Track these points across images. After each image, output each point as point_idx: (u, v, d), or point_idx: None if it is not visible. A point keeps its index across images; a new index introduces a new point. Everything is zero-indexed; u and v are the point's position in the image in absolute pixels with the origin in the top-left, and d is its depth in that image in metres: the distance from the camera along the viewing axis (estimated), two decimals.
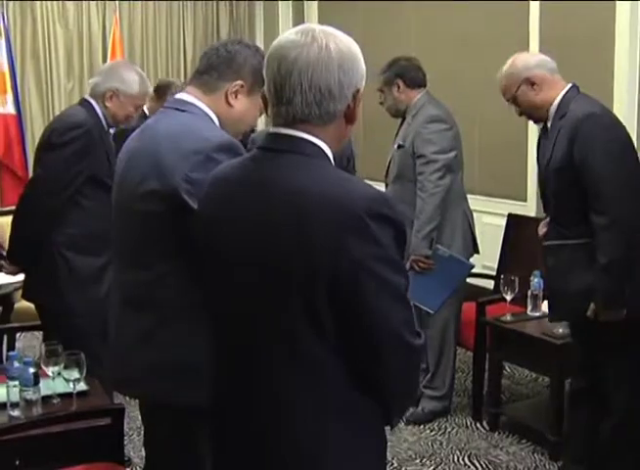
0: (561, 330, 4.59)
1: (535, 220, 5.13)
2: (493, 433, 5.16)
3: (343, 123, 2.06)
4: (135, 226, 2.73)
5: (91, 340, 3.91)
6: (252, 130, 6.03)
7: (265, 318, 1.98)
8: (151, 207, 2.64)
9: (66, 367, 3.42)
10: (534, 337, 4.77)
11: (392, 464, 4.76)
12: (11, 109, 8.41)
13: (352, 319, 1.91)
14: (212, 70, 2.80)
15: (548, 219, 4.10)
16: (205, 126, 2.72)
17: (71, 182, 4.26)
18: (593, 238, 3.78)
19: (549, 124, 3.97)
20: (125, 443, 4.02)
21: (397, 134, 5.36)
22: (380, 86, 5.29)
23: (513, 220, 6.19)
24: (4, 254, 4.81)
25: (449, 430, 5.23)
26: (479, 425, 5.27)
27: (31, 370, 3.34)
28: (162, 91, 6.12)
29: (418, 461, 4.83)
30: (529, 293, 4.98)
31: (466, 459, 4.83)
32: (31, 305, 4.67)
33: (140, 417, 3.05)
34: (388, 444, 2.24)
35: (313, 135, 2.01)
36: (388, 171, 5.38)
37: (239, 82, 2.79)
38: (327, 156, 2.04)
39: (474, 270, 5.32)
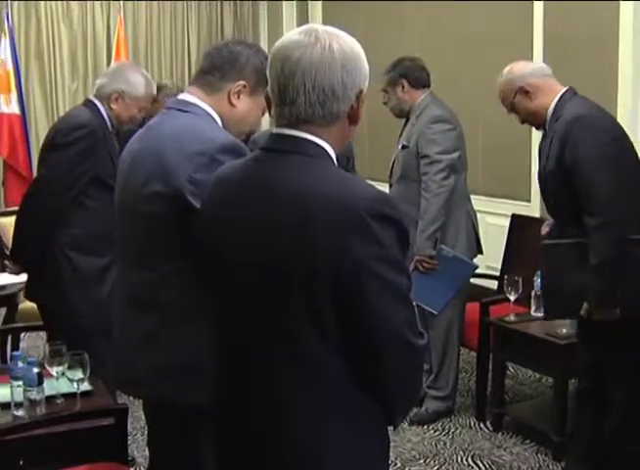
0: (564, 330, 4.59)
1: (539, 221, 5.13)
2: (497, 433, 5.15)
3: (347, 124, 2.06)
4: (139, 228, 2.73)
5: (94, 340, 3.91)
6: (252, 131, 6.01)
7: (266, 318, 1.98)
8: (155, 208, 2.64)
9: (69, 367, 3.43)
10: (538, 337, 4.77)
11: (396, 464, 4.76)
12: (15, 109, 8.42)
13: (354, 319, 1.91)
14: (215, 70, 2.80)
15: (552, 220, 4.13)
16: (209, 127, 2.72)
17: (75, 183, 4.26)
18: (587, 238, 3.80)
19: (547, 128, 4.00)
20: (129, 442, 4.03)
21: (401, 135, 5.36)
22: (384, 86, 5.30)
23: (517, 221, 6.18)
24: (8, 253, 4.83)
25: (453, 430, 5.23)
26: (482, 425, 5.27)
27: (35, 370, 3.35)
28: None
29: (422, 461, 4.83)
30: (533, 293, 4.97)
31: (469, 460, 4.83)
32: (35, 306, 4.67)
33: (144, 417, 3.05)
34: (392, 444, 2.24)
35: (316, 136, 2.01)
36: (391, 172, 5.38)
37: (241, 82, 2.79)
38: (330, 156, 2.04)
39: (477, 271, 5.33)
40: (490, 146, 6.79)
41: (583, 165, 3.76)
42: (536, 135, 5.95)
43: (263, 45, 8.92)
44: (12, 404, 3.39)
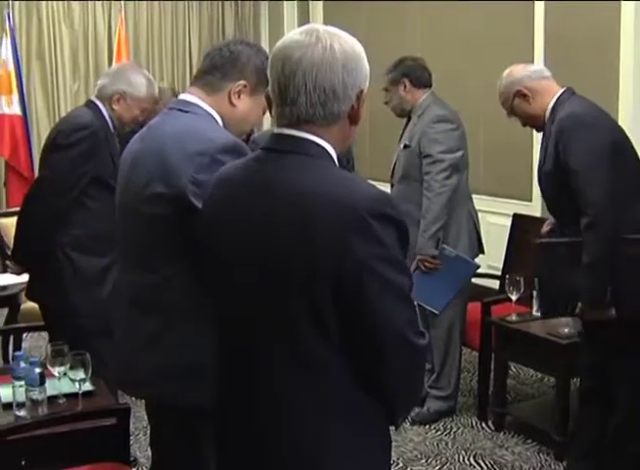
0: (566, 330, 4.59)
1: (541, 220, 5.13)
2: (499, 433, 5.15)
3: (347, 124, 2.06)
4: (141, 229, 2.73)
5: (95, 340, 3.92)
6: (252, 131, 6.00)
7: (265, 319, 1.98)
8: (157, 209, 2.64)
9: (71, 367, 3.43)
10: (540, 337, 4.77)
11: (398, 464, 4.76)
12: (17, 109, 8.42)
13: (356, 320, 1.91)
14: (215, 70, 2.80)
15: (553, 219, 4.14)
16: (210, 127, 2.72)
17: (77, 183, 4.26)
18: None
19: (545, 129, 4.02)
20: (131, 442, 4.04)
21: (403, 134, 5.36)
22: (386, 86, 5.30)
23: (518, 220, 6.18)
24: (9, 254, 4.83)
25: (455, 430, 5.23)
26: (484, 425, 5.27)
27: (37, 370, 3.35)
28: None
29: (423, 461, 4.83)
30: (535, 293, 4.97)
31: (471, 459, 4.83)
32: (37, 306, 4.67)
33: (146, 417, 3.06)
34: (394, 443, 2.24)
35: (317, 136, 2.01)
36: (393, 172, 5.38)
37: (242, 82, 2.79)
38: (331, 156, 2.04)
39: (479, 270, 5.33)
40: (492, 145, 6.79)
41: (576, 165, 3.78)
42: (538, 134, 5.96)
43: (264, 45, 8.92)
44: (14, 405, 3.40)
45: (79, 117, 4.38)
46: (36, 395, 3.34)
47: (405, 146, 5.22)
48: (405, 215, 2.03)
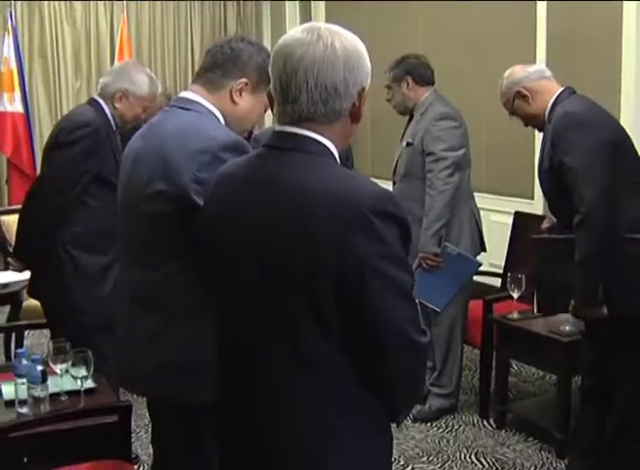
0: (567, 328, 4.60)
1: (542, 218, 5.13)
2: (500, 431, 5.16)
3: (349, 122, 2.06)
4: (142, 226, 2.73)
5: (96, 337, 3.93)
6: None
7: (266, 316, 1.99)
8: (158, 207, 2.64)
9: (73, 365, 3.44)
10: (541, 335, 4.77)
11: (399, 462, 4.76)
12: (19, 107, 8.43)
13: (357, 317, 1.91)
14: (217, 67, 2.80)
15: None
16: (211, 125, 2.72)
17: (78, 181, 4.27)
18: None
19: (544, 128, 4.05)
20: (133, 440, 4.05)
21: (405, 132, 5.36)
22: (388, 83, 5.29)
23: (520, 218, 6.19)
24: (11, 251, 4.83)
25: (456, 428, 5.24)
26: (485, 423, 5.27)
27: (39, 368, 3.36)
28: None
29: (425, 459, 4.83)
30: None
31: (473, 457, 4.83)
32: (39, 303, 4.68)
33: (147, 414, 3.06)
34: (395, 441, 2.24)
35: (319, 133, 2.01)
36: (395, 169, 5.38)
37: (243, 80, 2.79)
38: (332, 154, 2.04)
39: (481, 268, 5.33)
40: (493, 144, 6.80)
41: (572, 162, 3.78)
42: (539, 133, 5.97)
43: (266, 45, 8.91)
44: (16, 402, 3.41)
45: (81, 115, 4.38)
46: (38, 392, 3.35)
47: (408, 144, 5.22)
48: (407, 213, 2.03)
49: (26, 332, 6.38)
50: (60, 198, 4.25)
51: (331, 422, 1.97)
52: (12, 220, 5.92)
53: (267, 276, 1.97)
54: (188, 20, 9.73)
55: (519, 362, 5.91)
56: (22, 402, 3.39)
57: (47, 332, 5.36)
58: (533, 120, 4.13)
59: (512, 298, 4.97)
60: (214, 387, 2.20)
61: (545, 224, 4.38)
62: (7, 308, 5.96)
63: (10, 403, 3.45)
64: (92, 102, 4.46)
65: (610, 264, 3.76)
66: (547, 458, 4.77)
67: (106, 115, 4.38)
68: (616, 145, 3.84)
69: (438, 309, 5.15)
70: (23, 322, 5.47)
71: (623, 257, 3.77)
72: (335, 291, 1.88)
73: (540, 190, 5.49)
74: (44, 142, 4.68)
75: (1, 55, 8.42)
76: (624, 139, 3.96)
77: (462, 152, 5.12)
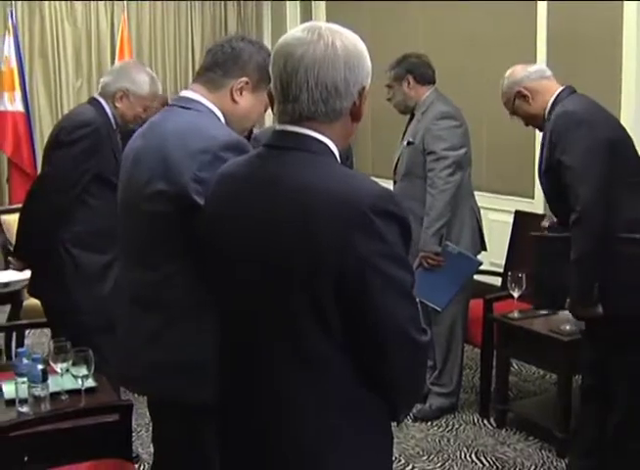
0: (568, 327, 4.60)
1: (543, 217, 5.13)
2: (501, 430, 5.16)
3: (349, 121, 2.06)
4: (142, 226, 2.72)
5: (96, 336, 3.93)
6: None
7: (266, 315, 1.99)
8: (158, 207, 2.63)
9: (74, 364, 3.45)
10: (542, 334, 4.77)
11: (400, 461, 4.77)
12: (19, 106, 8.42)
13: (358, 316, 1.91)
14: (217, 67, 2.80)
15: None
16: (212, 124, 2.72)
17: (79, 180, 4.27)
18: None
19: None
20: (134, 439, 4.04)
21: (406, 131, 5.36)
22: (389, 82, 5.29)
23: (520, 217, 6.18)
24: (12, 250, 4.84)
25: (457, 427, 5.24)
26: (486, 422, 5.28)
27: (40, 367, 3.36)
28: None
29: (425, 458, 4.83)
30: None
31: (473, 456, 4.83)
32: (40, 303, 4.68)
33: (148, 413, 3.06)
34: (396, 440, 2.24)
35: (319, 132, 2.01)
36: (396, 168, 5.38)
37: (244, 79, 2.79)
38: (333, 153, 2.04)
39: (481, 267, 5.33)
40: (494, 143, 6.80)
41: (569, 161, 3.79)
42: (540, 132, 5.97)
43: (267, 45, 8.89)
44: (16, 401, 3.41)
45: (82, 115, 4.38)
46: (39, 391, 3.35)
47: (409, 143, 5.22)
48: (408, 212, 2.04)
49: (27, 331, 6.39)
50: (60, 197, 4.25)
51: (331, 421, 1.97)
52: (12, 219, 5.92)
53: (268, 275, 1.97)
54: (188, 19, 9.71)
55: (519, 361, 5.92)
56: (23, 401, 3.39)
57: (48, 331, 5.36)
58: (534, 120, 4.13)
59: (512, 297, 4.97)
60: (215, 386, 2.21)
61: (545, 222, 4.38)
62: (7, 308, 5.96)
63: (10, 402, 3.45)
64: (93, 101, 4.46)
65: (606, 264, 3.77)
66: (548, 457, 4.77)
67: (106, 114, 4.38)
68: (615, 144, 3.84)
69: (439, 309, 5.15)
70: (24, 321, 5.47)
71: (620, 256, 3.77)
72: (335, 290, 1.89)
73: (541, 189, 5.51)
74: (44, 141, 4.68)
75: (1, 54, 8.41)
76: (624, 139, 3.96)
77: (463, 151, 5.12)
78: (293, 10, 9.60)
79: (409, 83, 5.24)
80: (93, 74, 9.10)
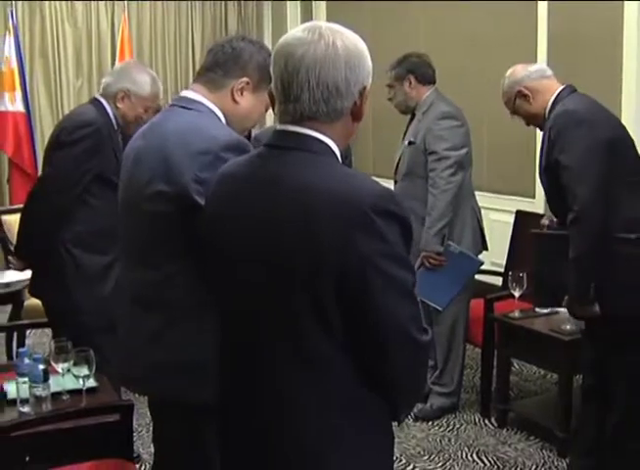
0: (569, 327, 4.60)
1: (543, 216, 5.14)
2: (502, 429, 5.16)
3: (350, 121, 2.06)
4: (143, 226, 2.72)
5: (97, 336, 3.93)
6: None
7: (268, 315, 1.99)
8: (159, 207, 2.63)
9: (75, 364, 3.45)
10: (543, 333, 4.77)
11: (401, 460, 4.77)
12: (20, 107, 8.42)
13: (359, 316, 1.91)
14: (218, 67, 2.79)
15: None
16: (213, 124, 2.72)
17: (80, 180, 4.26)
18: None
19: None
20: (135, 439, 4.04)
21: (406, 131, 5.36)
22: (390, 82, 5.29)
23: (521, 217, 6.18)
24: (12, 250, 4.84)
25: (458, 426, 5.24)
26: (487, 421, 5.28)
27: (41, 367, 3.36)
28: None
29: (426, 457, 4.84)
30: None
31: (474, 456, 4.84)
32: (41, 303, 4.68)
33: (149, 413, 3.06)
34: (397, 440, 2.25)
35: (320, 132, 2.01)
36: (397, 168, 5.38)
37: (244, 79, 2.79)
38: (334, 153, 2.04)
39: (482, 267, 5.33)
40: (495, 142, 6.79)
41: (568, 160, 3.79)
42: (541, 132, 5.96)
43: (267, 45, 8.92)
44: (18, 401, 3.42)
45: (83, 115, 4.38)
46: (40, 391, 3.35)
47: (410, 142, 5.21)
48: (409, 212, 2.04)
49: (28, 331, 6.39)
50: (61, 198, 4.25)
51: (333, 421, 1.97)
52: (13, 220, 5.92)
53: (269, 275, 1.97)
54: (189, 19, 9.71)
55: (520, 361, 5.91)
56: (24, 401, 3.39)
57: (49, 331, 5.36)
58: (535, 120, 4.14)
59: (513, 296, 4.97)
60: (216, 387, 2.21)
61: (545, 220, 4.39)
62: (9, 308, 5.97)
63: (12, 402, 3.45)
64: (94, 101, 4.46)
65: (604, 264, 3.77)
66: (548, 457, 4.77)
67: (108, 114, 4.38)
68: (615, 144, 3.84)
69: (440, 308, 5.16)
70: (25, 321, 5.48)
71: (618, 256, 3.77)
72: (336, 290, 1.89)
73: (541, 189, 5.51)
74: (45, 141, 4.68)
75: (2, 54, 8.41)
76: (625, 138, 3.96)
77: (464, 151, 5.12)
78: (293, 10, 9.60)
79: (410, 83, 5.24)
80: (93, 74, 9.10)
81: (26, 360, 3.45)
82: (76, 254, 4.32)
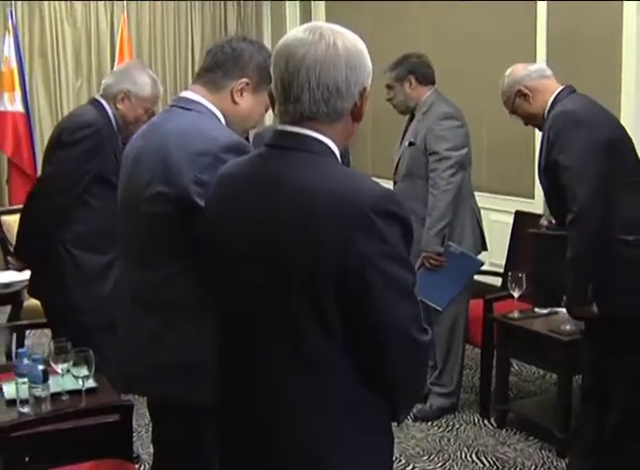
0: (568, 327, 4.60)
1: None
2: (501, 430, 5.16)
3: (350, 121, 2.06)
4: (142, 227, 2.72)
5: (96, 336, 3.93)
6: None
7: (266, 316, 1.99)
8: (158, 208, 2.63)
9: (75, 364, 3.44)
10: (542, 334, 4.77)
11: (400, 461, 4.77)
12: (19, 107, 8.42)
13: (359, 316, 1.91)
14: (217, 67, 2.79)
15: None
16: (213, 125, 2.72)
17: (80, 181, 4.26)
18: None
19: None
20: (134, 439, 4.04)
21: (405, 131, 5.36)
22: (390, 82, 5.28)
23: (520, 218, 6.18)
24: (11, 250, 4.83)
25: (457, 427, 5.24)
26: (486, 422, 5.28)
27: (40, 367, 3.36)
28: None
29: (426, 458, 4.84)
30: None
31: (473, 456, 4.84)
32: (40, 303, 4.68)
33: (148, 414, 3.06)
34: (396, 440, 2.24)
35: (320, 133, 2.02)
36: (396, 169, 5.38)
37: (244, 80, 2.79)
38: (334, 153, 2.04)
39: (481, 267, 5.33)
40: (494, 143, 6.80)
41: (566, 161, 3.78)
42: (540, 132, 5.96)
43: (267, 45, 8.91)
44: (17, 401, 3.41)
45: (83, 115, 4.38)
46: (39, 391, 3.35)
47: (410, 143, 5.21)
48: (410, 212, 2.04)
49: (27, 332, 6.38)
50: (61, 198, 4.25)
51: (332, 421, 1.97)
52: (12, 220, 5.93)
53: (268, 277, 1.97)
54: (188, 20, 9.71)
55: (519, 361, 5.91)
56: (24, 402, 3.39)
57: (48, 331, 5.36)
58: (534, 119, 4.14)
59: (512, 297, 4.97)
60: (215, 388, 2.20)
61: (543, 220, 4.40)
62: (8, 308, 5.97)
63: (11, 403, 3.45)
64: (94, 102, 4.46)
65: (603, 264, 3.77)
66: (548, 457, 4.77)
67: (108, 115, 4.38)
68: (614, 144, 3.84)
69: (440, 309, 5.16)
70: (24, 322, 5.47)
71: (618, 257, 3.77)
72: (336, 290, 1.89)
73: (541, 189, 5.51)
74: (45, 142, 4.68)
75: (1, 54, 8.40)
76: (624, 138, 3.96)
77: (465, 151, 5.12)
78: (292, 10, 9.60)
79: (411, 84, 5.24)
80: (93, 75, 9.10)
81: (26, 361, 3.45)
82: (76, 254, 4.32)
